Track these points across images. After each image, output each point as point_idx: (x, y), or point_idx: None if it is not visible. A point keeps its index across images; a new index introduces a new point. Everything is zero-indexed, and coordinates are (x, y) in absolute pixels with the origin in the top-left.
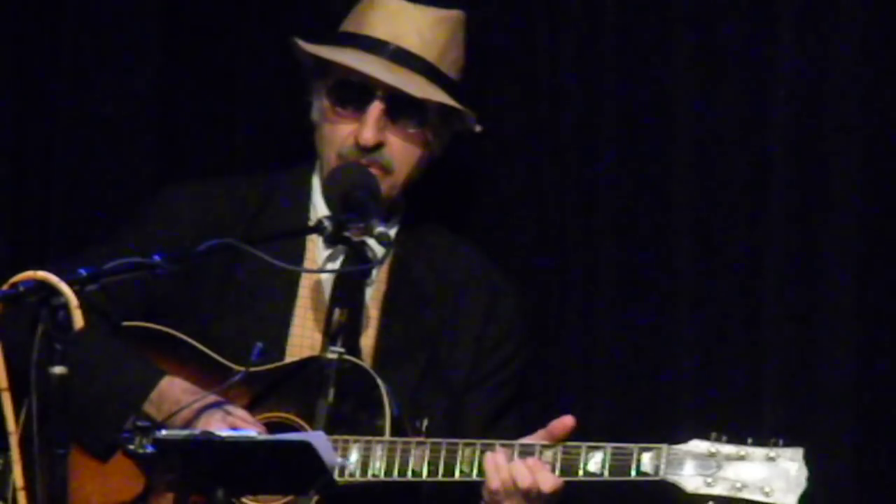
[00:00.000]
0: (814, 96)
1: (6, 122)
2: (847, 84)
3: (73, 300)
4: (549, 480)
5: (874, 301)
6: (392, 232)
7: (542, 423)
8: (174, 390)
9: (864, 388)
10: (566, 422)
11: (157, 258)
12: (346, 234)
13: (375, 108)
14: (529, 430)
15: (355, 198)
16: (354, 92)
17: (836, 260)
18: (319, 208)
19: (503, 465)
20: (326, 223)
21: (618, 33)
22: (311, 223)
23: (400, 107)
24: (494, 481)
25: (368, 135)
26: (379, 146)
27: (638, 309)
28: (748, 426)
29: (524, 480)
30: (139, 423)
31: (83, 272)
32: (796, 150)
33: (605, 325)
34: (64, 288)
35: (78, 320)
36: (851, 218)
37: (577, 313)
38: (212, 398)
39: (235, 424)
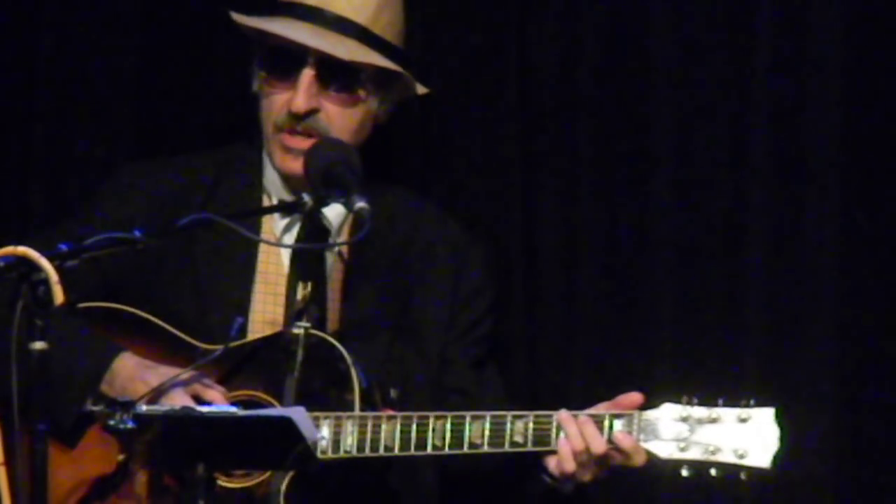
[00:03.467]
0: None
1: None
2: (827, 65)
3: (54, 275)
4: (626, 440)
5: (855, 274)
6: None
7: (513, 392)
8: (127, 366)
9: (844, 360)
10: (634, 397)
11: (137, 233)
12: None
13: (306, 74)
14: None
15: (336, 172)
16: (286, 60)
17: (816, 233)
18: (273, 179)
19: (575, 433)
20: (307, 199)
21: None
22: (268, 195)
23: (332, 72)
24: (565, 449)
25: (300, 101)
26: (313, 112)
27: (617, 281)
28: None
29: (598, 447)
30: (116, 401)
31: (64, 247)
32: (777, 122)
33: (584, 296)
34: (44, 263)
35: (58, 295)
36: (833, 193)
37: (554, 286)
38: (172, 372)
39: (198, 394)
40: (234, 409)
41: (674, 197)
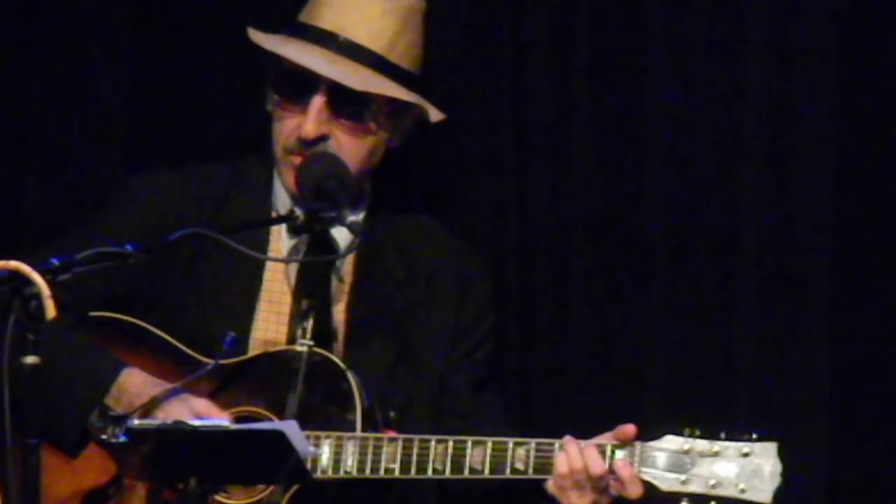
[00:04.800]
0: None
1: None
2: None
3: (46, 290)
4: (626, 469)
5: (848, 289)
6: (358, 218)
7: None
8: (134, 383)
9: (837, 379)
10: (629, 430)
11: (129, 247)
12: (312, 223)
13: (317, 101)
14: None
15: (327, 187)
16: (298, 84)
17: (809, 249)
18: (281, 195)
19: (575, 452)
20: (298, 212)
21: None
22: (276, 212)
23: (343, 99)
24: (563, 466)
25: (309, 128)
26: (322, 139)
27: (610, 303)
28: (721, 419)
29: (597, 467)
30: (109, 415)
31: (55, 261)
32: (770, 134)
33: (577, 318)
34: (36, 277)
35: (50, 310)
36: (826, 207)
37: (548, 307)
38: (174, 389)
39: (200, 413)
40: (225, 423)
41: (668, 213)
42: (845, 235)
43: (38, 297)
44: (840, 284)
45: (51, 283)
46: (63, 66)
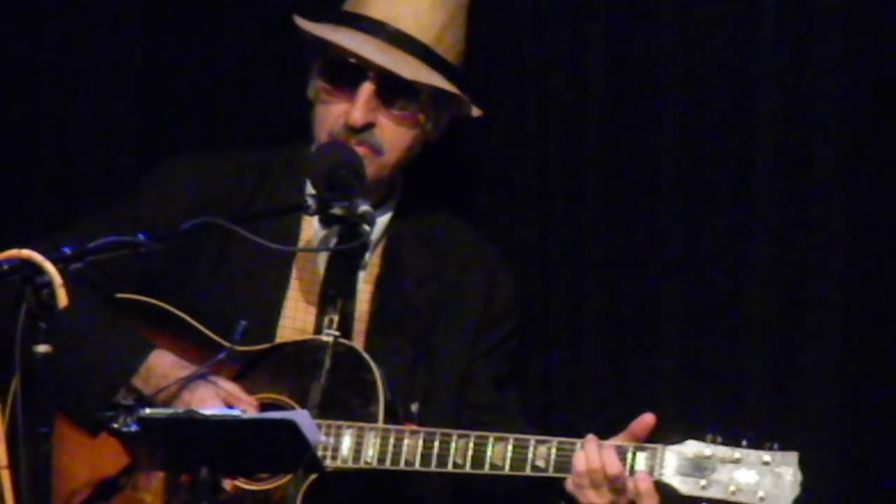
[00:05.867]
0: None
1: None
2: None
3: (58, 278)
4: (644, 482)
5: (860, 299)
6: (387, 215)
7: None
8: (163, 364)
9: (848, 386)
10: (647, 420)
11: (141, 237)
12: (338, 213)
13: (366, 88)
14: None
15: (339, 176)
16: (347, 72)
17: (821, 258)
18: (312, 187)
19: (594, 452)
20: (310, 201)
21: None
22: (314, 206)
23: (392, 88)
24: (581, 465)
25: (357, 115)
26: (369, 126)
27: (623, 306)
28: (733, 423)
29: (614, 467)
30: (124, 401)
31: (67, 250)
32: (781, 141)
33: (592, 321)
34: (48, 266)
35: (62, 299)
36: (838, 216)
37: (563, 310)
38: (202, 373)
39: (227, 399)
40: (236, 412)
41: (680, 222)
42: (858, 243)
43: (49, 285)
44: (853, 293)
45: (63, 272)
46: (73, 58)
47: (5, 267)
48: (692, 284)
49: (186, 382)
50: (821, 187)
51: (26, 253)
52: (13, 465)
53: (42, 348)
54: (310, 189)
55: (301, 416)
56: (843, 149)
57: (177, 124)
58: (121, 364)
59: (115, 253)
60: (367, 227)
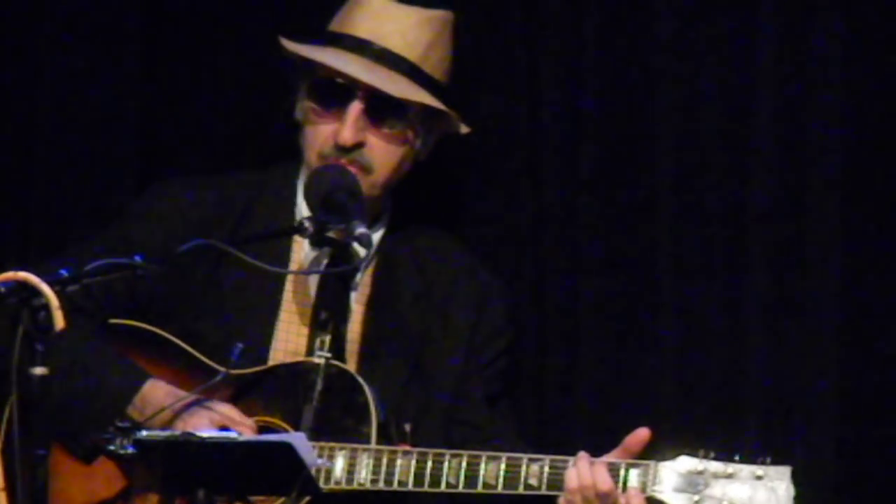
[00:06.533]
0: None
1: None
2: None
3: (54, 301)
4: (636, 498)
5: (857, 304)
6: (378, 234)
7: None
8: (157, 393)
9: (845, 398)
10: (641, 434)
11: (137, 259)
12: (331, 235)
13: (355, 107)
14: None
15: (336, 199)
16: (335, 91)
17: (818, 264)
18: (303, 209)
19: (585, 469)
20: (308, 224)
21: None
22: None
23: (380, 107)
24: (573, 482)
25: (347, 134)
26: (359, 146)
27: (619, 322)
28: (730, 438)
29: (604, 484)
30: (120, 425)
31: (64, 273)
32: (780, 144)
33: (587, 335)
34: (45, 289)
35: (59, 321)
36: (834, 218)
37: (558, 325)
38: (197, 399)
39: (224, 423)
40: (233, 434)
41: (676, 224)
42: (854, 250)
43: (46, 308)
44: (849, 300)
45: (60, 294)
46: (72, 64)
47: (2, 289)
48: (687, 292)
49: (181, 409)
50: (820, 187)
51: (23, 275)
52: (10, 487)
53: (39, 370)
54: (301, 211)
55: (298, 439)
56: (843, 170)
57: (175, 143)
58: (116, 394)
59: (112, 275)
60: (361, 250)
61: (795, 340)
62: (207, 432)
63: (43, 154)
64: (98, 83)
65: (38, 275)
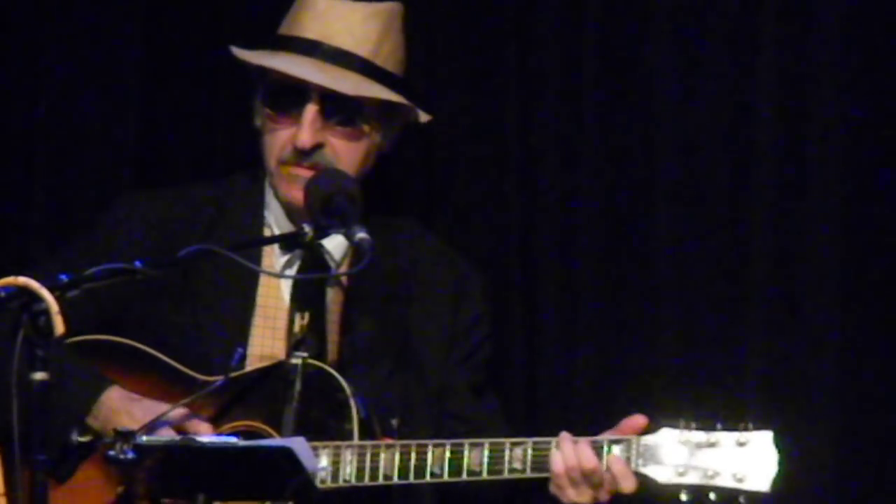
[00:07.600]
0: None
1: None
2: (830, 75)
3: (54, 306)
4: (617, 463)
5: (857, 291)
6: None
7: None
8: (113, 399)
9: (845, 381)
10: (638, 421)
11: (137, 264)
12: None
13: (310, 110)
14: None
15: (335, 203)
16: (289, 96)
17: (818, 252)
18: (273, 211)
19: (569, 449)
20: (307, 229)
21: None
22: (269, 228)
23: (335, 106)
24: (559, 465)
25: (305, 137)
26: (318, 147)
27: (617, 301)
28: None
29: (589, 462)
30: (121, 429)
31: (64, 278)
32: (779, 143)
33: (583, 316)
34: (45, 294)
35: (59, 326)
36: (835, 208)
37: (553, 306)
38: (158, 405)
39: (186, 429)
40: (234, 440)
41: (676, 220)
42: (854, 249)
43: (46, 313)
44: (849, 294)
45: (59, 300)
46: (72, 67)
47: (2, 294)
48: (687, 289)
49: (139, 415)
50: (818, 189)
51: (23, 280)
52: (10, 493)
53: (39, 375)
54: (269, 218)
55: (297, 443)
56: (841, 160)
57: (174, 147)
58: (74, 403)
59: (111, 280)
60: (336, 251)
61: (795, 340)
62: (207, 437)
63: (43, 154)
64: (98, 84)
65: (36, 280)
